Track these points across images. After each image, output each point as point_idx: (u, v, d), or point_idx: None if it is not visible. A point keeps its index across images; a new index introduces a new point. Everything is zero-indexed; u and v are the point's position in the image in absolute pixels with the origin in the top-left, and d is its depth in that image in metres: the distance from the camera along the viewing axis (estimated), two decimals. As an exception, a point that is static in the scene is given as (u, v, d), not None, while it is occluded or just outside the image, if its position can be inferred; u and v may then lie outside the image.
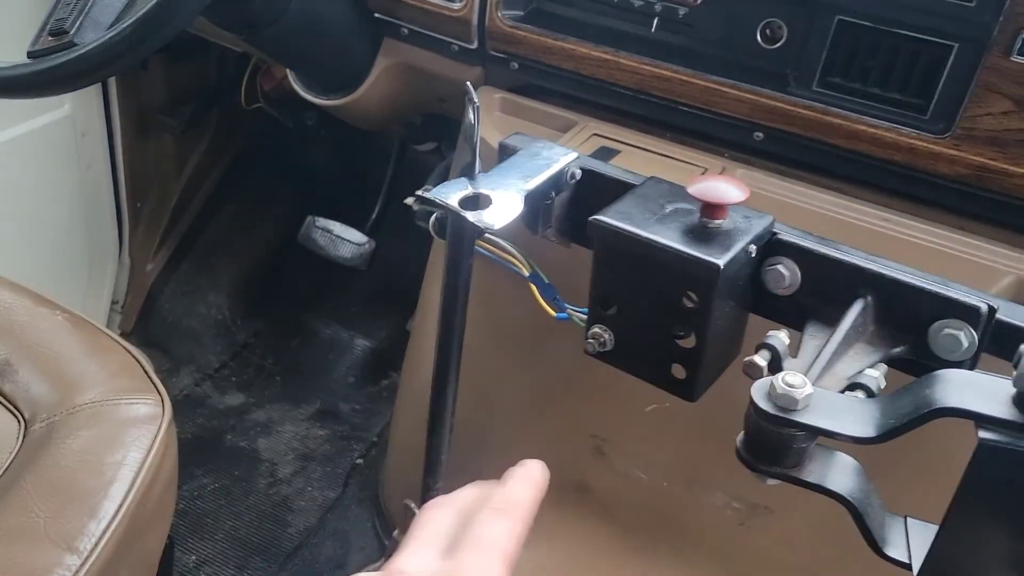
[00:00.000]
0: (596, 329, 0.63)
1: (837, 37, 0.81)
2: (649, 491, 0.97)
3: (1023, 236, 0.80)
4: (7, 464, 0.77)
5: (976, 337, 0.53)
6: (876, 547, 0.49)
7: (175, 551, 1.34)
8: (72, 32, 0.78)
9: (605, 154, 0.89)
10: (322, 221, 1.48)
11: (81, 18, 0.78)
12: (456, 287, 0.70)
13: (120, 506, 0.73)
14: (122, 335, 1.72)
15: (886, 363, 0.55)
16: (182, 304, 1.79)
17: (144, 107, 1.64)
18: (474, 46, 1.00)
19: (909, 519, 0.51)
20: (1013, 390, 0.42)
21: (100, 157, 1.57)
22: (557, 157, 0.67)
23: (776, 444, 0.49)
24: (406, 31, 1.06)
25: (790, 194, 0.85)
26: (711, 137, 0.91)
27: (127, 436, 0.77)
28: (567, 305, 0.74)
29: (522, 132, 0.73)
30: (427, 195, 0.61)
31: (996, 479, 0.42)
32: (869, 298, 0.56)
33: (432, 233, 0.82)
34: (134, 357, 0.86)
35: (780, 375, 0.47)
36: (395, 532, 1.26)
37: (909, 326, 0.56)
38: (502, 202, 0.61)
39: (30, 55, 0.81)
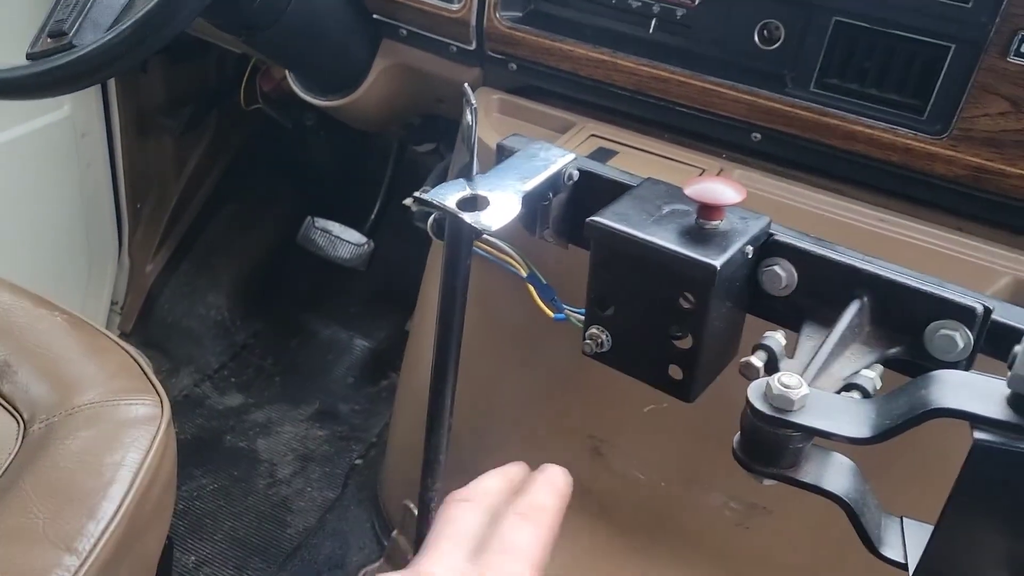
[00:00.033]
0: (593, 330, 0.63)
1: (834, 38, 0.81)
2: (647, 491, 0.97)
3: (1020, 237, 0.81)
4: (6, 465, 0.77)
5: (972, 338, 0.54)
6: (872, 547, 0.50)
7: (174, 551, 1.34)
8: (71, 34, 0.78)
9: (603, 155, 0.89)
10: (321, 222, 1.48)
11: (80, 20, 0.78)
12: (454, 288, 0.70)
13: (119, 507, 0.73)
14: (121, 336, 1.73)
15: (882, 364, 0.55)
16: (181, 305, 1.79)
17: (144, 108, 1.64)
18: (472, 47, 1.00)
19: (905, 519, 0.51)
20: (1008, 391, 0.42)
21: (100, 158, 1.57)
22: (555, 158, 0.67)
23: (772, 445, 0.49)
24: (404, 32, 1.06)
25: (788, 195, 0.85)
26: (709, 138, 0.92)
27: (126, 437, 0.78)
28: (565, 306, 0.74)
29: (520, 133, 0.74)
30: (425, 196, 0.61)
31: (991, 479, 0.43)
32: (865, 299, 0.57)
33: (430, 234, 0.82)
34: (133, 358, 0.87)
35: (776, 376, 0.47)
36: (394, 532, 1.27)
37: (905, 327, 0.56)
38: (500, 203, 0.61)
39: (29, 57, 0.82)
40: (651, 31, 0.91)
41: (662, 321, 0.59)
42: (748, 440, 0.50)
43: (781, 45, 0.85)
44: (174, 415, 0.83)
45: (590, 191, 0.67)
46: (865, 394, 0.52)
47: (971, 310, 0.53)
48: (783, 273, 0.59)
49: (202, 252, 1.84)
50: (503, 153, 0.70)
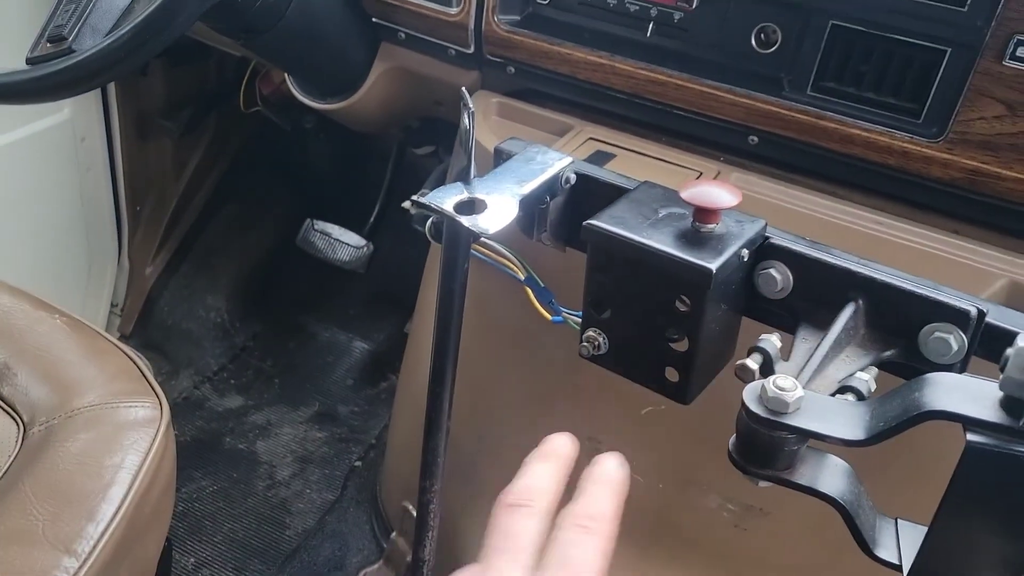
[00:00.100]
0: (590, 333, 0.64)
1: (831, 42, 0.82)
2: (644, 493, 0.97)
3: (1016, 239, 0.81)
4: (6, 467, 0.78)
5: (966, 340, 0.54)
6: (867, 548, 0.50)
7: (174, 553, 1.34)
8: (71, 39, 0.79)
9: (601, 158, 0.89)
10: (320, 224, 1.48)
11: (79, 25, 0.79)
12: (452, 291, 0.70)
13: (118, 509, 0.73)
14: (121, 338, 1.73)
15: (877, 366, 0.56)
16: (181, 307, 1.79)
17: (143, 111, 1.64)
18: (471, 50, 1.01)
19: (899, 521, 0.51)
20: (1000, 393, 0.42)
21: (99, 161, 1.57)
22: (552, 162, 0.67)
23: (767, 447, 0.49)
24: (403, 35, 1.07)
25: (785, 198, 0.86)
26: (706, 141, 0.92)
27: (125, 439, 0.78)
28: (562, 308, 0.75)
29: (518, 136, 0.74)
30: (422, 200, 0.62)
31: (984, 481, 0.43)
32: (860, 302, 0.57)
33: (428, 237, 0.83)
34: (132, 360, 0.87)
35: (771, 378, 0.48)
36: (393, 534, 1.27)
37: (900, 329, 0.56)
38: (497, 207, 0.61)
39: (29, 62, 0.82)
40: (649, 35, 0.91)
41: (658, 324, 0.60)
42: (743, 442, 0.50)
43: (778, 49, 0.85)
44: (173, 417, 0.83)
45: (587, 194, 0.68)
46: (860, 396, 0.52)
47: (965, 313, 0.53)
48: (779, 276, 0.59)
49: (201, 254, 1.85)
50: (501, 156, 0.71)
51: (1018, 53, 0.73)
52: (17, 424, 0.81)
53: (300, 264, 1.65)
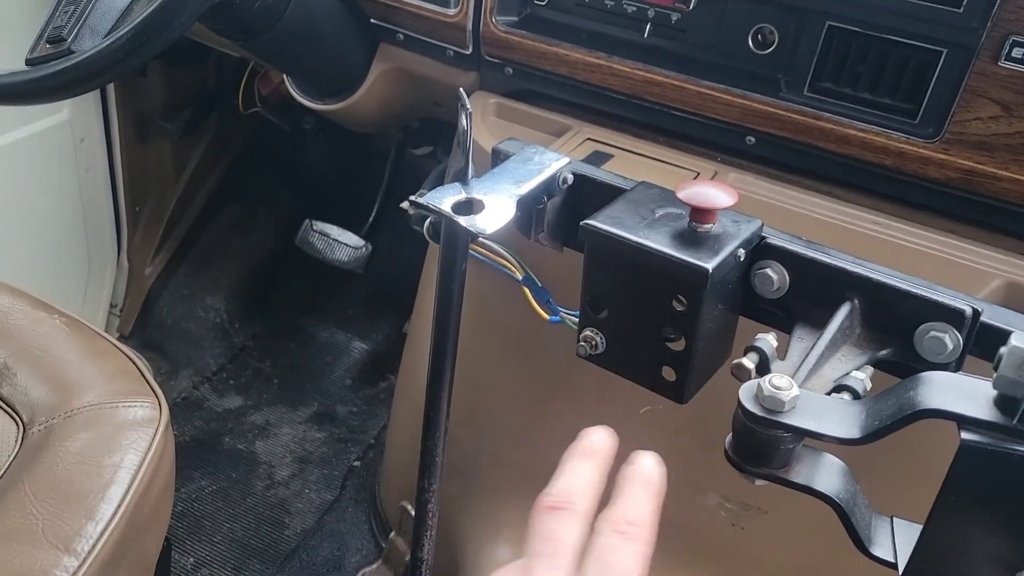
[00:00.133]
0: (588, 332, 0.64)
1: (827, 42, 0.82)
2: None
3: (1012, 239, 0.81)
4: (5, 467, 0.78)
5: (961, 340, 0.54)
6: (862, 547, 0.50)
7: (174, 553, 1.34)
8: (70, 40, 0.79)
9: (598, 158, 0.89)
10: (319, 225, 1.49)
11: (79, 26, 0.79)
12: (450, 290, 0.71)
13: (117, 508, 0.73)
14: (120, 338, 1.74)
15: (872, 365, 0.56)
16: (180, 307, 1.80)
17: (143, 112, 1.65)
18: (469, 51, 1.01)
19: (895, 519, 0.51)
20: (994, 392, 0.43)
21: (99, 161, 1.57)
22: (549, 162, 0.68)
23: (763, 445, 0.50)
24: (402, 36, 1.07)
25: (782, 197, 0.86)
26: (704, 141, 0.92)
27: (124, 439, 0.78)
28: (560, 308, 0.75)
29: (515, 137, 0.74)
30: (420, 200, 0.62)
31: (978, 479, 0.43)
32: (856, 301, 0.57)
33: (427, 237, 0.83)
34: (132, 360, 0.87)
35: (767, 377, 0.48)
36: (392, 533, 1.27)
37: (895, 329, 0.56)
38: (494, 207, 0.62)
39: (28, 62, 0.82)
40: (646, 35, 0.92)
41: (655, 323, 0.60)
42: (740, 441, 0.51)
43: (775, 49, 0.86)
44: (173, 417, 0.84)
45: (584, 195, 0.68)
46: (855, 395, 0.52)
47: (960, 312, 0.54)
48: (775, 276, 0.60)
49: (201, 255, 1.85)
50: (498, 157, 0.71)
51: (1014, 54, 0.73)
52: (17, 424, 0.81)
53: (299, 264, 1.65)
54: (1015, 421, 0.41)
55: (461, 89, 0.63)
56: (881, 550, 0.50)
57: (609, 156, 0.90)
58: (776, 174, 0.89)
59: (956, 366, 0.56)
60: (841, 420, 0.48)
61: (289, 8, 0.97)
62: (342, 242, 1.48)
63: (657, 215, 0.61)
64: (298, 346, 1.80)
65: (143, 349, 1.74)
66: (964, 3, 0.74)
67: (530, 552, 0.44)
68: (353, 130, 1.36)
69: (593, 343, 0.64)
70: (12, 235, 1.45)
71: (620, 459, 0.50)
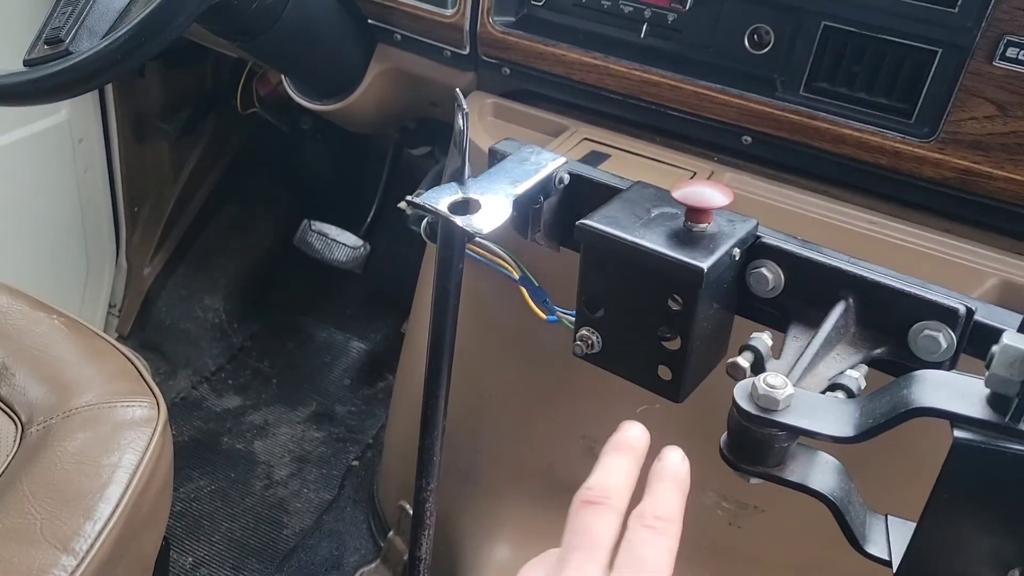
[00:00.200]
0: (584, 331, 0.64)
1: (823, 42, 0.82)
2: (640, 491, 0.98)
3: (1007, 238, 0.81)
4: (4, 466, 0.78)
5: (955, 338, 0.55)
6: (857, 544, 0.50)
7: (172, 553, 1.34)
8: (68, 41, 0.79)
9: (595, 158, 0.90)
10: (317, 225, 1.49)
11: (76, 27, 0.79)
12: (447, 290, 0.71)
13: (116, 508, 0.73)
14: (119, 338, 1.74)
15: (867, 364, 0.56)
16: (179, 307, 1.80)
17: (141, 112, 1.65)
18: (466, 52, 1.01)
19: (889, 517, 0.52)
20: (987, 390, 0.43)
21: (97, 162, 1.58)
22: (545, 162, 0.68)
23: (758, 444, 0.50)
24: (399, 37, 1.07)
25: (778, 197, 0.86)
26: (700, 141, 0.92)
27: (123, 439, 0.78)
28: (556, 308, 0.75)
29: (512, 137, 0.74)
30: (417, 200, 0.62)
31: (971, 477, 0.43)
32: (851, 300, 0.57)
33: (424, 237, 0.83)
34: (130, 360, 0.87)
35: (762, 376, 0.48)
36: (390, 533, 1.28)
37: (890, 328, 0.57)
38: (491, 207, 0.62)
39: (26, 63, 0.82)
40: (642, 36, 0.92)
41: (651, 323, 0.60)
42: (735, 439, 0.51)
43: (771, 49, 0.86)
44: (171, 417, 0.84)
45: (581, 194, 0.68)
46: (849, 394, 0.52)
47: (954, 311, 0.54)
48: (770, 275, 0.60)
49: (199, 255, 1.85)
50: (495, 157, 0.71)
51: (1008, 54, 0.73)
52: (15, 424, 0.81)
53: (297, 265, 1.65)
54: (1007, 419, 0.42)
55: (457, 90, 0.63)
56: (876, 548, 0.50)
57: (606, 156, 0.90)
58: (772, 174, 0.89)
59: (950, 365, 0.56)
60: (835, 418, 0.48)
61: (287, 9, 0.97)
62: (340, 242, 1.49)
63: (653, 215, 0.61)
64: (296, 346, 1.80)
65: (142, 349, 1.74)
66: (959, 3, 0.74)
67: (567, 545, 0.46)
68: (351, 130, 1.36)
69: (589, 342, 0.64)
70: (11, 235, 1.45)
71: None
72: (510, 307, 0.79)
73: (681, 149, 0.93)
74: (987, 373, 0.42)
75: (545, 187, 0.67)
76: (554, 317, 0.75)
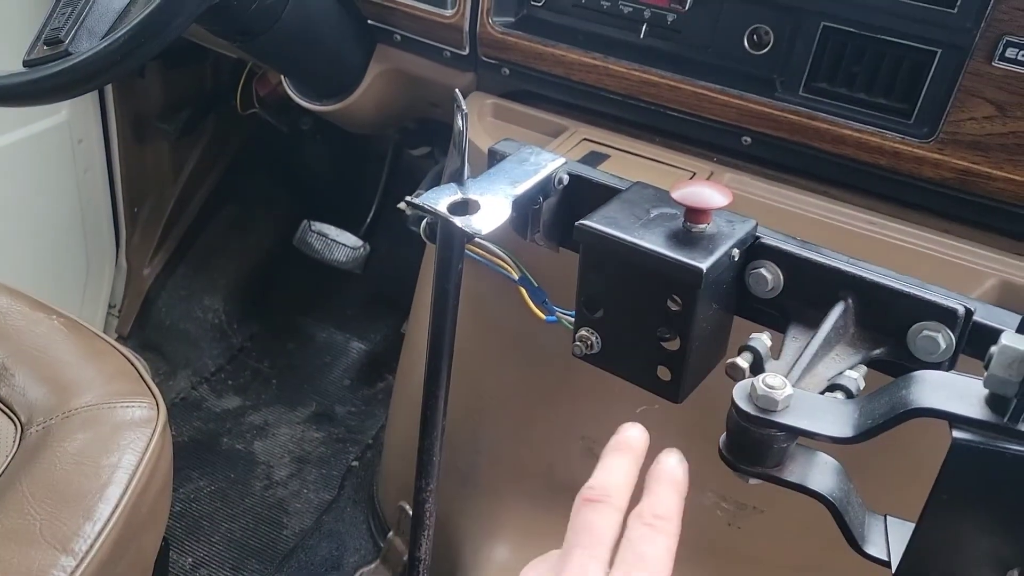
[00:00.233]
0: (583, 332, 0.64)
1: (822, 43, 0.82)
2: (639, 491, 0.98)
3: (1006, 239, 0.81)
4: (3, 467, 0.78)
5: (954, 339, 0.55)
6: (856, 545, 0.50)
7: (172, 553, 1.34)
8: (67, 41, 0.79)
9: (595, 159, 0.90)
10: (317, 225, 1.49)
11: (76, 27, 0.79)
12: (446, 291, 0.71)
13: (115, 508, 0.73)
14: (119, 339, 1.74)
15: (866, 364, 0.56)
16: (179, 308, 1.80)
17: (141, 113, 1.65)
18: (466, 52, 1.01)
19: (888, 517, 0.52)
20: (985, 390, 0.43)
21: (97, 162, 1.58)
22: (545, 163, 0.68)
23: (757, 444, 0.50)
24: (399, 37, 1.07)
25: (778, 197, 0.86)
26: (700, 142, 0.92)
27: (122, 439, 0.78)
28: (556, 308, 0.75)
29: (512, 138, 0.74)
30: (416, 201, 0.62)
31: (970, 477, 0.43)
32: (850, 301, 0.57)
33: (423, 238, 0.83)
34: (130, 361, 0.87)
35: (761, 377, 0.48)
36: (390, 533, 1.28)
37: (889, 328, 0.57)
38: (490, 207, 0.62)
39: (26, 64, 0.82)
40: (642, 36, 0.92)
41: (650, 323, 0.60)
42: (734, 440, 0.51)
43: (770, 50, 0.86)
44: (171, 418, 0.84)
45: (580, 195, 0.68)
46: (849, 394, 0.52)
47: (953, 311, 0.54)
48: (769, 275, 0.60)
49: (199, 255, 1.85)
50: (494, 157, 0.71)
51: (1007, 54, 0.73)
52: (15, 424, 0.81)
53: (297, 265, 1.65)
54: (1006, 419, 0.42)
55: (457, 90, 0.63)
56: (875, 548, 0.50)
57: (605, 156, 0.90)
58: (772, 174, 0.89)
59: (949, 365, 0.56)
60: (834, 419, 0.48)
61: (286, 9, 0.97)
62: (340, 242, 1.49)
63: (652, 215, 0.61)
64: (296, 346, 1.80)
65: (141, 350, 1.74)
66: (958, 3, 0.74)
67: (569, 542, 0.48)
68: (351, 131, 1.36)
69: (589, 343, 0.64)
70: (11, 236, 1.45)
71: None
72: (509, 308, 0.79)
73: (680, 149, 0.93)
74: (986, 374, 0.42)
75: (544, 188, 0.67)
76: (553, 318, 0.75)
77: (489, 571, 1.08)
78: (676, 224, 0.59)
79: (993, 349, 0.41)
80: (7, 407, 0.83)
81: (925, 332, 0.55)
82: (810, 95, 0.84)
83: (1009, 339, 0.41)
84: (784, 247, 0.60)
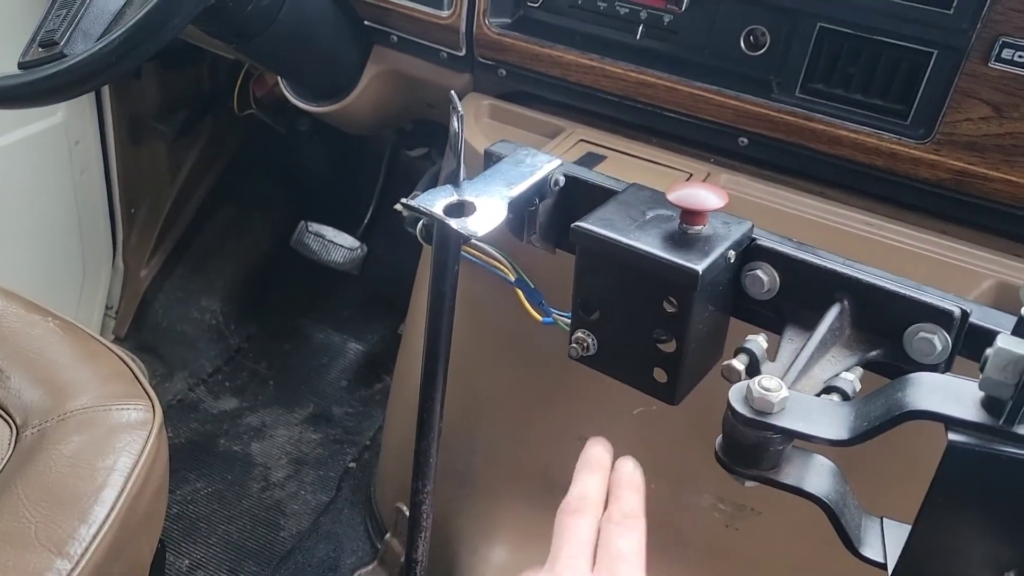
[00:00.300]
0: (579, 334, 0.64)
1: (819, 44, 0.82)
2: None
3: (1003, 240, 0.81)
4: (-1, 470, 0.78)
5: (950, 341, 0.55)
6: (852, 547, 0.50)
7: (169, 555, 1.34)
8: (62, 43, 0.79)
9: (591, 160, 0.89)
10: (315, 226, 1.49)
11: (71, 29, 0.79)
12: (443, 292, 0.71)
13: (111, 511, 0.73)
14: (116, 340, 1.74)
15: (862, 366, 0.56)
16: (176, 309, 1.80)
17: (137, 114, 1.64)
18: (462, 53, 1.01)
19: (885, 519, 0.52)
20: (981, 393, 0.43)
21: (94, 164, 1.57)
22: (541, 164, 0.68)
23: (753, 447, 0.50)
24: (395, 38, 1.07)
25: (774, 198, 0.86)
26: (696, 142, 0.92)
27: (118, 442, 0.78)
28: (552, 310, 0.75)
29: (508, 139, 0.74)
30: (412, 203, 0.62)
31: (965, 480, 0.43)
32: (846, 302, 0.57)
33: (419, 239, 0.83)
34: (125, 363, 0.87)
35: (757, 379, 0.48)
36: (387, 535, 1.27)
37: (885, 330, 0.57)
38: (486, 209, 0.62)
39: (20, 66, 0.82)
40: (639, 37, 0.92)
41: (646, 325, 0.60)
42: (729, 442, 0.51)
43: (767, 51, 0.86)
44: (168, 419, 0.84)
45: (576, 196, 0.68)
46: (844, 396, 0.52)
47: (948, 313, 0.54)
48: (765, 277, 0.60)
49: (196, 257, 1.85)
50: (491, 159, 0.71)
51: (1003, 55, 0.73)
52: (10, 427, 0.81)
53: (294, 266, 1.65)
54: (1001, 422, 0.41)
55: (452, 92, 0.63)
56: (871, 551, 0.50)
57: (602, 158, 0.90)
58: (769, 175, 0.89)
59: (945, 367, 0.56)
60: (830, 421, 0.48)
61: (282, 11, 0.97)
62: (337, 243, 1.49)
63: (648, 217, 0.61)
64: (294, 347, 1.80)
65: (138, 351, 1.74)
66: (954, 5, 0.74)
67: (556, 547, 0.55)
68: (348, 132, 1.36)
69: (585, 345, 0.64)
70: (7, 237, 1.45)
71: (616, 455, 0.62)
72: (506, 309, 0.79)
73: (677, 150, 0.93)
74: (981, 376, 0.42)
75: (541, 189, 0.67)
76: (550, 319, 0.75)
77: (486, 572, 1.08)
78: (672, 226, 0.59)
79: (989, 351, 0.41)
80: (2, 409, 0.82)
81: (921, 334, 0.55)
82: (806, 96, 0.84)
83: (1005, 342, 0.41)
84: (780, 249, 0.60)
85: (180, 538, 1.39)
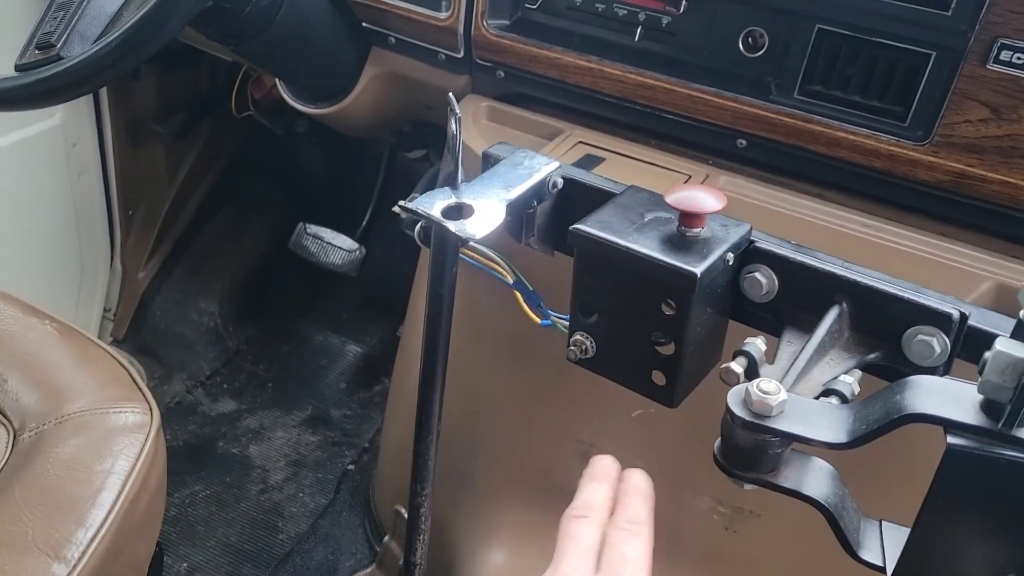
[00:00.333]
0: (578, 336, 0.64)
1: (817, 46, 0.82)
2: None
3: (1002, 242, 0.81)
4: (-4, 473, 0.78)
5: (949, 343, 0.54)
6: (851, 550, 0.50)
7: (167, 558, 1.34)
8: (59, 46, 0.79)
9: (590, 162, 0.89)
10: (313, 228, 1.49)
11: (68, 32, 0.79)
12: (441, 295, 0.71)
13: (108, 514, 0.73)
14: (114, 343, 1.73)
15: (861, 369, 0.56)
16: (174, 311, 1.79)
17: (135, 116, 1.64)
18: (460, 55, 1.01)
19: (884, 523, 0.51)
20: (979, 396, 0.43)
21: (91, 166, 1.57)
22: (539, 166, 0.68)
23: (752, 450, 0.50)
24: (393, 40, 1.07)
25: (773, 200, 0.86)
26: (695, 144, 0.92)
27: (115, 445, 0.78)
28: (551, 312, 0.75)
29: (506, 141, 0.74)
30: (410, 205, 0.62)
31: (964, 483, 0.43)
32: (845, 305, 0.57)
33: (418, 242, 0.83)
34: (123, 366, 0.87)
35: (755, 382, 0.48)
36: (386, 537, 1.27)
37: (884, 332, 0.56)
38: (484, 211, 0.62)
39: (17, 68, 0.82)
40: (637, 39, 0.92)
41: (645, 328, 0.60)
42: (728, 446, 0.51)
43: (765, 52, 0.86)
44: (166, 422, 0.84)
45: (574, 199, 0.68)
46: (843, 399, 0.52)
47: (947, 316, 0.54)
48: (764, 280, 0.60)
49: (194, 259, 1.85)
50: (489, 161, 0.71)
51: (1002, 57, 0.73)
52: (7, 430, 0.81)
53: (293, 268, 1.65)
54: (1000, 425, 0.41)
55: (451, 94, 0.63)
56: (870, 554, 0.50)
57: (601, 159, 0.90)
58: (767, 177, 0.89)
59: (944, 370, 0.56)
60: (829, 424, 0.48)
61: (280, 13, 0.97)
62: (336, 245, 1.48)
63: (646, 219, 0.61)
64: (292, 349, 1.80)
65: (137, 353, 1.73)
66: (952, 6, 0.74)
67: (559, 550, 0.54)
68: (346, 134, 1.36)
69: (583, 347, 0.64)
70: (5, 240, 1.45)
71: (615, 457, 0.61)
72: (504, 311, 0.79)
73: (676, 152, 0.93)
74: (980, 379, 0.42)
75: (539, 191, 0.67)
76: (548, 321, 0.75)
77: (485, 574, 1.08)
78: (670, 228, 0.59)
79: (987, 354, 0.41)
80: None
81: (920, 336, 0.55)
82: (805, 98, 0.84)
83: (1003, 344, 0.40)
84: (779, 251, 0.59)
85: (178, 541, 1.39)
